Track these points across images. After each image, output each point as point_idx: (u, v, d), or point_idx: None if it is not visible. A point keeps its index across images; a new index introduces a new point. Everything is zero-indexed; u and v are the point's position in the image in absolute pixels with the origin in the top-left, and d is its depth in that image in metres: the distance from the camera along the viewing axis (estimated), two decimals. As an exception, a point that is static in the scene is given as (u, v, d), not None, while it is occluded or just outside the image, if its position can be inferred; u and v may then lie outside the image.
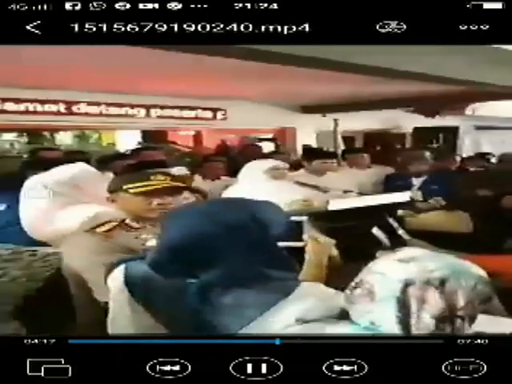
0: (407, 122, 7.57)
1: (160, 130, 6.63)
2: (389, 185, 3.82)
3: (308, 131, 6.95)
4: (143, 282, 1.21)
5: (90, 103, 5.17)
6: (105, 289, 1.34)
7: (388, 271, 1.01)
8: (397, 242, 2.36)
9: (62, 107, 4.98)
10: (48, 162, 2.16)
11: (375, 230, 2.36)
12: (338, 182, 3.35)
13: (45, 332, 1.17)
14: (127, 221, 1.74)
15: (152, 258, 1.22)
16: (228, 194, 3.02)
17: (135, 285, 1.22)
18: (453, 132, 7.47)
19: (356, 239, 2.38)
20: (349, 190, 3.17)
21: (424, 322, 0.94)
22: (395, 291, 0.97)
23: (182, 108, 5.81)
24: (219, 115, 6.12)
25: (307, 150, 4.50)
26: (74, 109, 5.08)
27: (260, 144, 6.65)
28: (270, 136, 7.57)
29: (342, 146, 5.78)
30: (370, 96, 5.73)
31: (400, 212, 2.81)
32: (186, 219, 1.22)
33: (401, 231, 2.39)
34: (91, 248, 1.58)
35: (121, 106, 5.35)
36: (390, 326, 0.97)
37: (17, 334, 1.08)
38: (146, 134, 7.03)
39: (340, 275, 1.59)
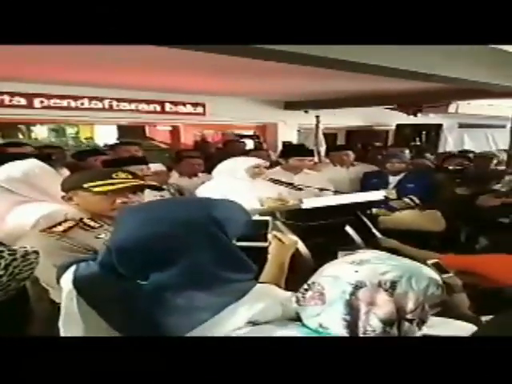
0: (391, 119, 7.54)
1: (137, 125, 6.51)
2: (365, 183, 3.78)
3: (290, 128, 6.89)
4: (92, 283, 1.17)
5: (66, 97, 5.06)
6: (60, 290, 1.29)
7: (340, 274, 1.00)
8: (371, 241, 2.33)
9: (36, 100, 4.87)
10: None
11: (348, 228, 2.32)
12: (314, 180, 3.29)
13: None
14: (85, 220, 1.66)
15: (102, 259, 1.18)
16: (201, 191, 2.95)
17: (84, 286, 1.17)
18: (436, 130, 7.46)
19: (329, 238, 2.34)
20: (325, 188, 3.11)
21: (371, 326, 0.93)
22: (345, 294, 0.96)
23: (161, 102, 5.69)
24: (198, 110, 6.00)
25: (283, 146, 4.42)
26: (50, 102, 4.97)
27: (243, 140, 6.56)
28: (250, 132, 7.49)
29: (323, 143, 5.71)
30: (352, 93, 5.69)
31: (374, 210, 2.78)
32: (138, 218, 1.16)
33: (374, 230, 2.36)
34: (48, 248, 1.49)
35: (96, 99, 5.24)
36: (337, 328, 0.96)
37: None
38: (123, 130, 6.89)
39: (311, 275, 1.54)
